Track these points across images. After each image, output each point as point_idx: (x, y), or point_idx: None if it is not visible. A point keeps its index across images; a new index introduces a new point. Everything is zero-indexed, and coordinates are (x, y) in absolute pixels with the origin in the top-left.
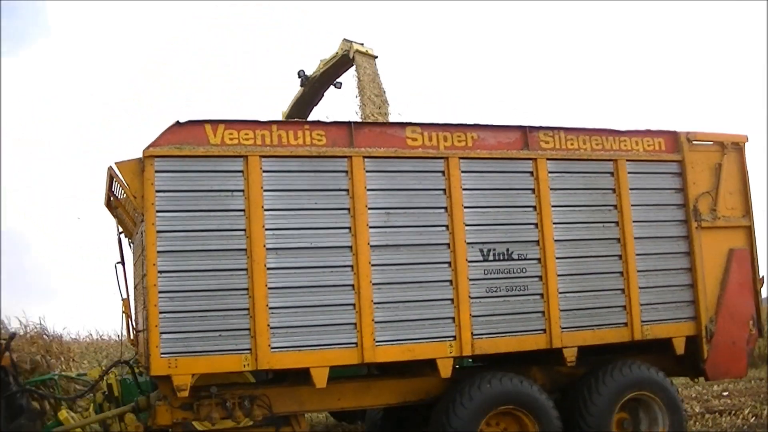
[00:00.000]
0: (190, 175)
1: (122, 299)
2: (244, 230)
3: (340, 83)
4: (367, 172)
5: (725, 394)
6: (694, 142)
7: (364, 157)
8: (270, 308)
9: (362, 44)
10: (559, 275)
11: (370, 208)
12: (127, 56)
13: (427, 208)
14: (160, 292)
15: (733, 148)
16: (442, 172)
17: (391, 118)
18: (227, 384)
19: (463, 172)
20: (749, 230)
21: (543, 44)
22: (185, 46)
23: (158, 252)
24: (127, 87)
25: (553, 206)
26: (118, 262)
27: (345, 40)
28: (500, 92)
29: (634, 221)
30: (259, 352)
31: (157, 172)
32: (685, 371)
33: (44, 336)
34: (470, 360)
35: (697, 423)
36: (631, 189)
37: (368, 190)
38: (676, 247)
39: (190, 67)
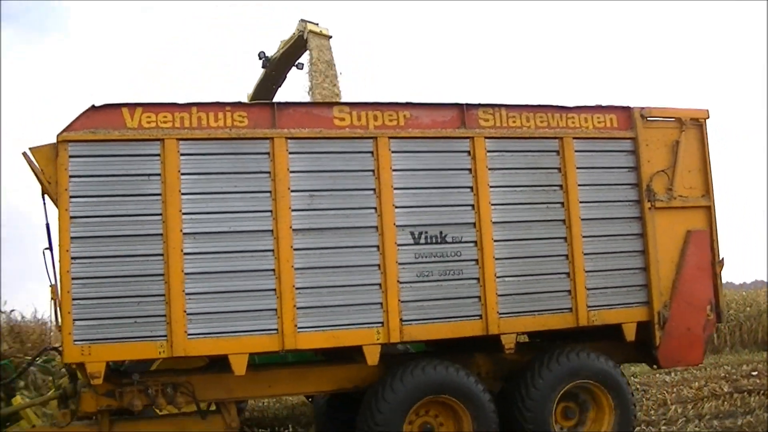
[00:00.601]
0: (105, 159)
1: (50, 285)
2: (160, 215)
3: (302, 64)
4: (290, 153)
5: (754, 373)
6: (649, 119)
7: (287, 138)
8: (186, 294)
9: (317, 24)
10: (497, 259)
11: (292, 191)
12: (128, 56)
13: (354, 190)
14: (73, 278)
15: (693, 124)
16: (371, 152)
17: (344, 99)
18: (152, 371)
19: (393, 152)
20: (709, 211)
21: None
22: (185, 46)
23: (72, 238)
24: (127, 87)
25: (491, 186)
26: (46, 248)
27: (301, 20)
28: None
29: (581, 202)
30: (174, 339)
31: (71, 157)
32: (643, 358)
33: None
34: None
35: (726, 402)
36: (578, 168)
37: (291, 172)
38: (628, 229)
39: (190, 67)
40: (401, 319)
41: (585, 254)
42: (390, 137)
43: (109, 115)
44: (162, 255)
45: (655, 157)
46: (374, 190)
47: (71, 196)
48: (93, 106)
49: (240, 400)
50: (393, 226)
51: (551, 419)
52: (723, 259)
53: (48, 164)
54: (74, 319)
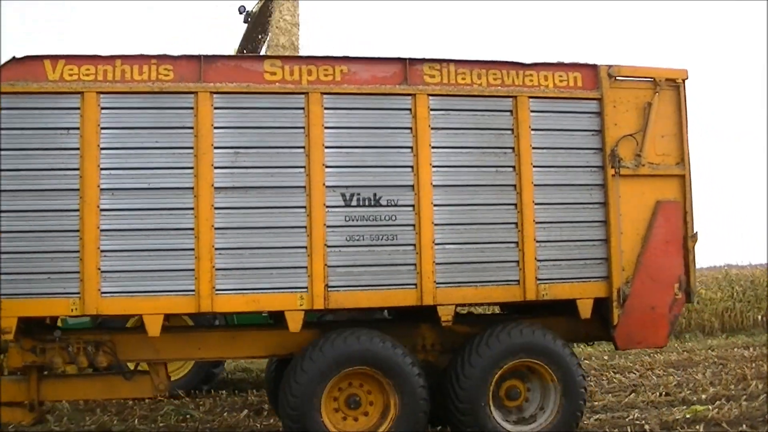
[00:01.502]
0: (24, 112)
1: None
2: (78, 169)
3: (243, 7)
4: (215, 108)
5: None
6: (618, 78)
7: (212, 92)
8: (101, 251)
9: None
10: (436, 224)
11: (216, 147)
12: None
13: (282, 148)
14: None
15: (669, 85)
16: (302, 108)
17: None
18: (74, 329)
19: (326, 108)
20: (683, 180)
21: None
22: (185, 46)
23: None
24: None
25: (433, 147)
26: None
27: None
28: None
29: (535, 166)
30: (87, 297)
31: None
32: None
33: None
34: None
35: None
36: (534, 130)
37: (216, 128)
38: (588, 197)
39: None
40: (327, 285)
41: (537, 223)
42: (323, 93)
43: (31, 67)
44: (78, 210)
45: (623, 120)
46: (303, 148)
47: None
48: (14, 58)
49: (215, 362)
50: (322, 186)
51: (486, 400)
52: (697, 233)
53: None
54: None
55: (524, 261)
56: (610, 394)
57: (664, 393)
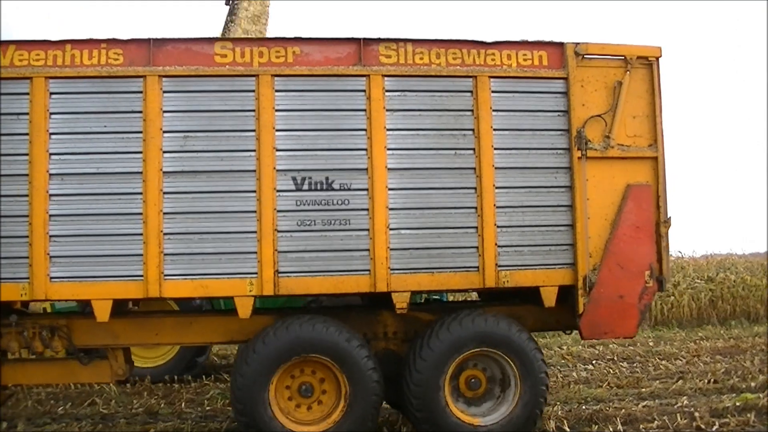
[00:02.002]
0: None
1: None
2: (27, 155)
3: None
4: (164, 92)
5: None
6: (585, 56)
7: (161, 76)
8: (50, 236)
9: None
10: (391, 209)
11: (165, 132)
12: None
13: (232, 132)
14: None
15: (641, 64)
16: (253, 91)
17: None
18: (30, 314)
19: (278, 91)
20: (656, 163)
21: None
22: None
23: None
24: None
25: (388, 129)
26: None
27: None
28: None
29: (496, 148)
30: (36, 282)
31: None
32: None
33: None
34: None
35: None
36: (495, 111)
37: (165, 112)
38: (554, 180)
39: None
40: (277, 271)
41: (497, 207)
42: (273, 75)
43: None
44: (27, 196)
45: (591, 100)
46: (254, 131)
47: None
48: None
49: (199, 351)
50: (272, 170)
51: (440, 392)
52: (670, 218)
53: None
54: None
55: (483, 247)
56: (657, 381)
57: (712, 380)
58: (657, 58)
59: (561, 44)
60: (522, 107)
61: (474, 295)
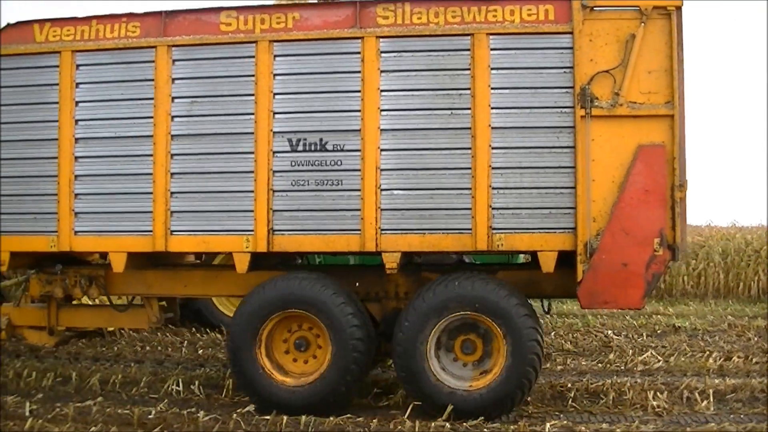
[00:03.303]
0: (15, 72)
1: None
2: (56, 121)
3: None
4: (174, 61)
5: None
6: (595, 9)
7: (170, 45)
8: (76, 194)
9: None
10: (383, 170)
11: (174, 98)
12: None
13: (233, 96)
14: None
15: (659, 14)
16: (252, 57)
17: None
18: (76, 262)
19: (277, 56)
20: (672, 121)
21: None
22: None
23: None
24: None
25: (382, 91)
26: None
27: None
28: None
29: (494, 108)
30: (62, 235)
31: None
32: None
33: None
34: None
35: None
36: (494, 69)
37: (174, 79)
38: (555, 141)
39: None
40: (272, 229)
41: (493, 168)
42: (271, 41)
43: (23, 32)
44: (56, 158)
45: (601, 55)
46: (253, 95)
47: None
48: (9, 24)
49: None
50: (269, 132)
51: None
52: (686, 182)
53: None
54: None
55: (476, 209)
56: None
57: None
58: (677, 8)
59: None
60: (524, 64)
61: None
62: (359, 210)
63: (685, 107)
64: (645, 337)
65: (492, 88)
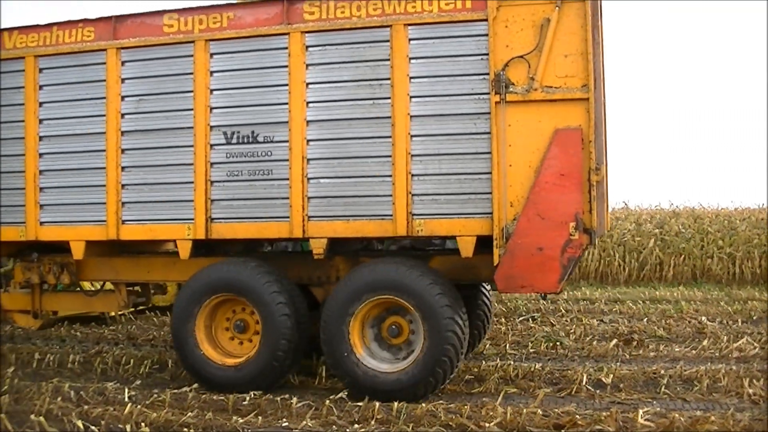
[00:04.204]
0: None
1: None
2: (23, 121)
3: None
4: (123, 62)
5: None
6: None
7: (119, 48)
8: (40, 188)
9: None
10: (310, 159)
11: (123, 96)
12: None
13: (175, 93)
14: None
15: None
16: (191, 56)
17: None
18: (50, 251)
19: (212, 54)
20: (588, 104)
21: None
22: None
23: None
24: None
25: (308, 84)
26: None
27: None
28: None
29: (413, 96)
30: (29, 226)
31: None
32: None
33: None
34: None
35: None
36: (412, 59)
37: (123, 79)
38: (473, 127)
39: None
40: (210, 217)
41: (413, 156)
42: (207, 40)
43: None
44: (22, 155)
45: (516, 40)
46: (191, 92)
47: None
48: None
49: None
50: (206, 126)
51: (345, 340)
52: (603, 165)
53: None
54: None
55: (395, 195)
56: None
57: None
58: None
59: None
60: (441, 53)
61: None
62: (288, 198)
63: (604, 90)
64: (740, 324)
65: (411, 78)
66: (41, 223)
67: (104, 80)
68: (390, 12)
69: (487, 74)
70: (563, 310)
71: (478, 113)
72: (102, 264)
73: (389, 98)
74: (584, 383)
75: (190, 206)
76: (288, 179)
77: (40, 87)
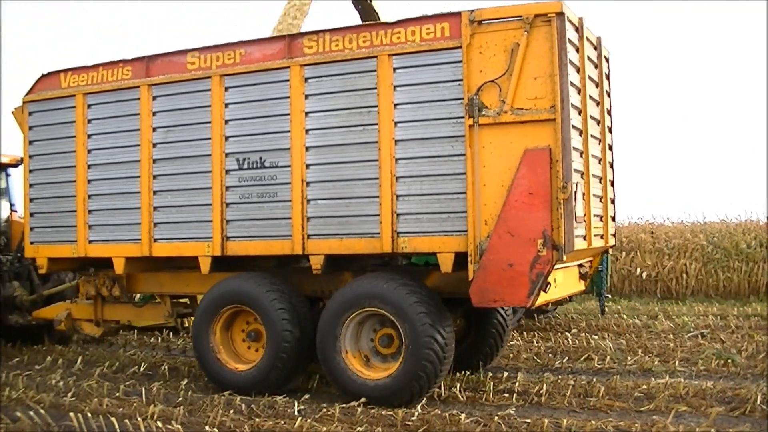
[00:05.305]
0: (45, 113)
1: None
2: (74, 152)
3: None
4: (154, 97)
5: None
6: (483, 22)
7: (150, 84)
8: (89, 211)
9: None
10: (308, 182)
11: (154, 128)
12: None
13: (196, 124)
14: (30, 198)
15: (542, 22)
16: (209, 90)
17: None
18: (105, 267)
19: (227, 88)
20: (555, 125)
21: None
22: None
23: (30, 170)
24: None
25: (307, 112)
26: None
27: None
28: None
29: (397, 122)
30: (79, 244)
31: (30, 113)
32: None
33: None
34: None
35: None
36: (396, 86)
37: (154, 112)
38: (450, 149)
39: None
40: (225, 236)
41: (398, 177)
42: (222, 75)
43: (52, 80)
44: (74, 181)
45: (489, 65)
46: (209, 123)
47: (30, 141)
48: (43, 74)
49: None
50: (221, 153)
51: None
52: (569, 184)
53: (22, 120)
54: (30, 228)
55: (382, 214)
56: None
57: None
58: (558, 14)
59: (458, 14)
60: (422, 80)
61: None
62: (290, 218)
63: (570, 110)
64: None
65: (395, 104)
66: (90, 242)
67: (138, 113)
68: (377, 43)
69: (462, 99)
70: (734, 327)
71: (455, 136)
72: (149, 278)
73: (376, 124)
74: (759, 402)
75: (209, 226)
76: (290, 201)
77: (89, 121)
